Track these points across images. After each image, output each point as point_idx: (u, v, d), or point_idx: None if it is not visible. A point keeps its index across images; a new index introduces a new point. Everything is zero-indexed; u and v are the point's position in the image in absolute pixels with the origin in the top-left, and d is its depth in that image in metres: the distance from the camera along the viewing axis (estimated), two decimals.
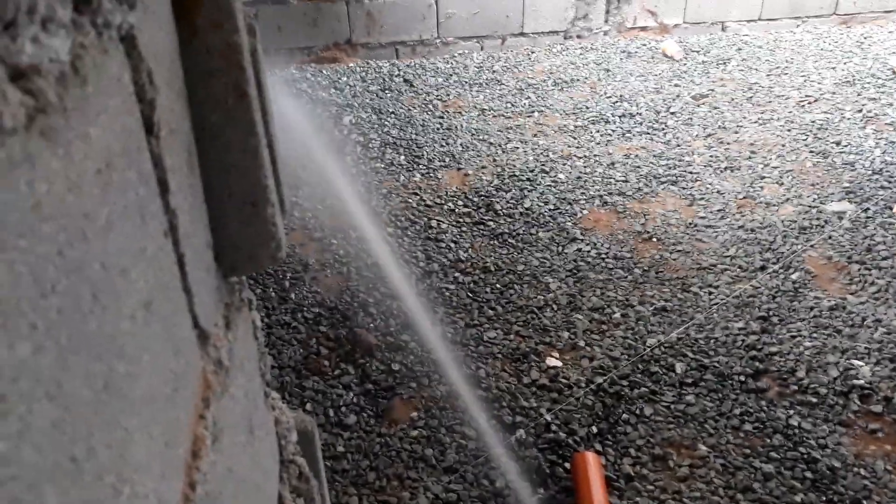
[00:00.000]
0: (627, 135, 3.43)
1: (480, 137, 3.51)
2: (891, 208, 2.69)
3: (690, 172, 3.08)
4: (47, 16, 0.34)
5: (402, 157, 3.35)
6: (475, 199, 3.01)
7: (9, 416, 0.26)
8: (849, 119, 3.41)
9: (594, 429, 1.87)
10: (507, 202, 2.97)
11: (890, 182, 2.88)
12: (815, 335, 2.14)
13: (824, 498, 1.65)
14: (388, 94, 4.00)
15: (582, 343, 2.18)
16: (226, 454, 0.58)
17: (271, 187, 0.68)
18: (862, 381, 1.94)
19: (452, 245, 2.73)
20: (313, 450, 0.96)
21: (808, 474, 1.70)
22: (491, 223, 2.85)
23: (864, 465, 1.72)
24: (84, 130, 0.36)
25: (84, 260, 0.34)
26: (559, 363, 2.11)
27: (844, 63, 4.04)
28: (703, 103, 3.69)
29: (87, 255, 0.34)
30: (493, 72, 4.22)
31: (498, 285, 2.49)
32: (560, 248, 2.66)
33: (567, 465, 1.76)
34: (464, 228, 2.83)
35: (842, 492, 1.66)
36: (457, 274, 2.56)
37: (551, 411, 1.93)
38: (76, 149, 0.34)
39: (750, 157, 3.17)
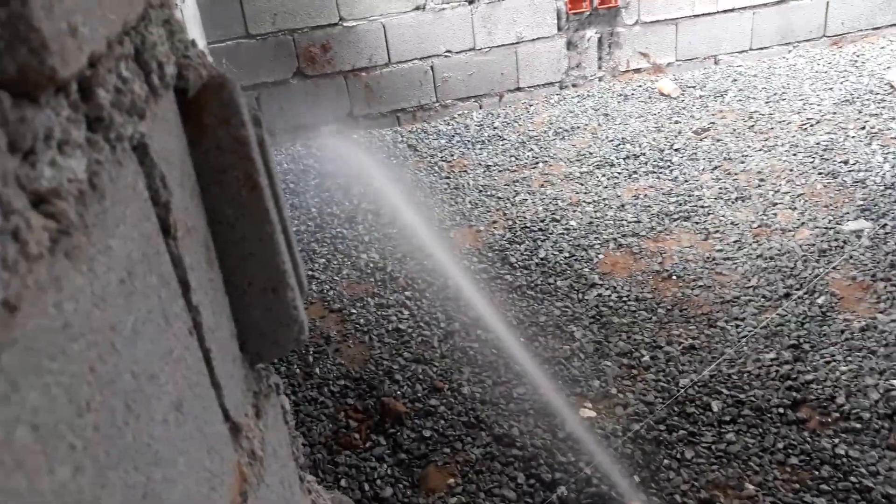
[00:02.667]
0: (634, 176, 3.45)
1: (488, 193, 3.53)
2: None
3: (702, 206, 3.08)
4: (63, 139, 0.35)
5: (414, 221, 3.37)
6: (489, 255, 3.02)
7: None
8: (853, 137, 3.42)
9: (636, 478, 1.82)
10: (522, 254, 2.97)
11: None
12: (849, 358, 2.09)
13: None
14: (394, 161, 4.06)
15: (614, 390, 2.15)
16: None
17: (289, 271, 0.69)
18: None
19: (471, 303, 2.72)
20: None
21: None
22: (508, 277, 2.85)
23: None
24: (105, 244, 0.37)
25: (115, 372, 0.34)
26: (593, 413, 2.08)
27: (841, 83, 4.07)
28: (706, 137, 3.71)
29: (118, 367, 0.35)
30: (494, 128, 4.28)
31: (522, 339, 2.47)
32: (580, 296, 2.64)
33: None
34: (481, 285, 2.83)
35: None
36: (479, 332, 2.55)
37: (590, 464, 1.89)
38: (99, 263, 0.35)
39: (759, 186, 3.17)
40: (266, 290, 0.68)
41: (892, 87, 3.86)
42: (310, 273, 3.09)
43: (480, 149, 4.05)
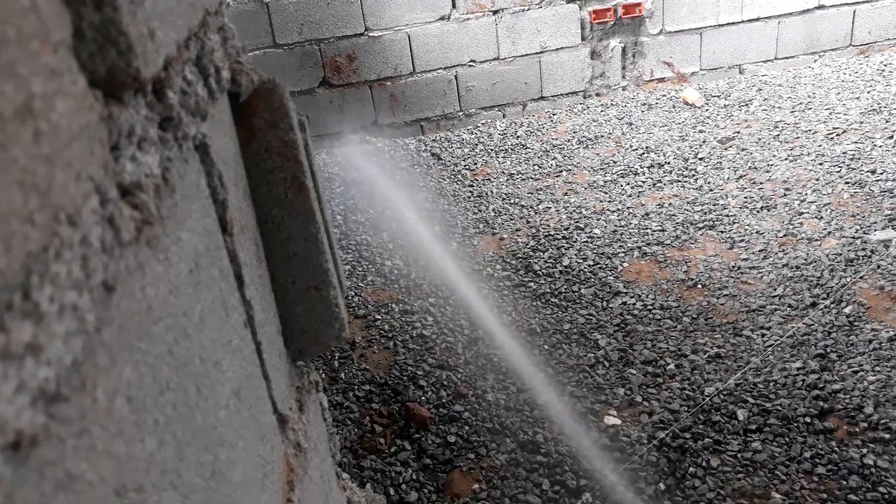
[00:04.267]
0: (658, 184, 3.44)
1: (511, 201, 3.55)
2: None
3: (727, 216, 3.07)
4: (142, 136, 0.37)
5: (437, 228, 3.39)
6: (513, 262, 3.03)
7: (149, 495, 0.27)
8: (881, 146, 3.39)
9: (661, 486, 1.82)
10: (546, 262, 2.98)
11: None
12: (877, 368, 2.08)
13: None
14: (418, 170, 4.08)
15: (639, 398, 2.15)
16: None
17: (332, 270, 0.71)
18: None
19: (495, 309, 2.73)
20: None
21: None
22: (531, 284, 2.86)
23: None
24: (177, 235, 0.39)
25: (187, 356, 0.36)
26: (618, 421, 2.08)
27: (868, 92, 4.04)
28: (731, 146, 3.70)
29: (190, 352, 0.37)
30: (517, 137, 4.30)
31: (546, 346, 2.48)
32: (605, 304, 2.65)
33: None
34: (505, 292, 2.84)
35: None
36: (503, 339, 2.56)
37: (615, 471, 1.89)
38: (173, 253, 0.37)
39: (785, 195, 3.16)
40: (309, 288, 0.70)
41: None
42: None
43: (504, 157, 4.06)
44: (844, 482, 1.74)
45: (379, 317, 2.81)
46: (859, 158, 3.33)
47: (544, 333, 2.55)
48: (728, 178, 3.40)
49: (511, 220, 3.39)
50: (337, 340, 0.73)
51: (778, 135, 3.74)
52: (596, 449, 1.97)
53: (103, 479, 0.24)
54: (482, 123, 4.58)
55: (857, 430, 1.89)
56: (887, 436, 1.85)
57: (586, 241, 3.08)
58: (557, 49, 4.48)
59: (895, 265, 2.52)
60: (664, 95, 4.49)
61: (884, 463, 1.77)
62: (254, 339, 0.54)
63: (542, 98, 4.59)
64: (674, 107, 4.33)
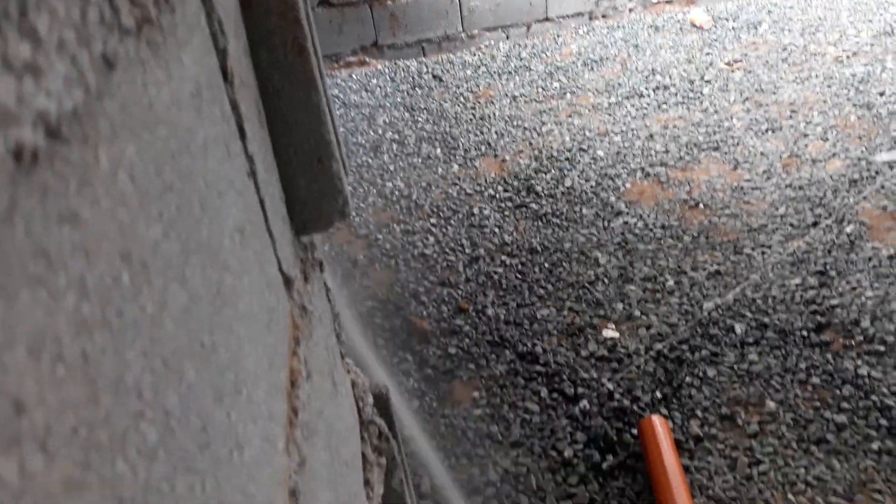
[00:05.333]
0: (663, 106, 3.40)
1: (514, 124, 3.51)
2: None
3: (731, 137, 3.04)
4: None
5: (439, 150, 3.37)
6: (515, 184, 3.01)
7: (152, 282, 0.28)
8: (891, 69, 3.33)
9: (658, 394, 1.86)
10: (548, 183, 2.97)
11: None
12: (876, 285, 2.09)
13: None
14: (419, 91, 4.02)
15: (637, 313, 2.17)
16: (317, 393, 0.60)
17: (334, 143, 0.70)
18: None
19: (497, 230, 2.74)
20: (389, 413, 0.98)
21: (883, 422, 1.67)
22: (533, 205, 2.85)
23: None
24: (178, 54, 0.38)
25: (191, 170, 0.36)
26: (616, 334, 2.10)
27: (881, 14, 3.94)
28: (738, 68, 3.63)
29: (193, 167, 0.36)
30: (521, 59, 4.22)
31: (546, 264, 2.49)
32: (606, 223, 2.65)
33: (634, 431, 1.75)
34: (506, 213, 2.84)
35: None
36: (504, 257, 2.57)
37: (613, 380, 1.92)
38: (174, 67, 0.37)
39: (791, 117, 3.12)
40: (312, 160, 0.69)
41: None
42: None
43: (507, 80, 4.00)
44: (838, 391, 1.77)
45: (380, 237, 2.81)
46: (868, 81, 3.28)
47: (545, 252, 2.56)
48: (734, 101, 3.35)
49: (514, 142, 3.36)
50: (341, 216, 0.73)
51: (786, 57, 3.67)
52: (594, 360, 2.00)
53: (108, 236, 0.24)
54: (485, 45, 4.49)
55: (853, 343, 1.91)
56: (882, 348, 1.87)
57: (589, 163, 3.06)
58: None
59: (889, 188, 2.51)
60: (672, 18, 4.39)
61: (877, 373, 1.80)
62: (257, 193, 0.54)
63: (546, 19, 4.49)
64: (681, 29, 4.24)
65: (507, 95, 3.81)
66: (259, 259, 0.49)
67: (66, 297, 0.20)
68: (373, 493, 0.83)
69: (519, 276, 2.46)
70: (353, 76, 4.31)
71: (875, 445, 1.62)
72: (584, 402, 1.85)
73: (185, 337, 0.30)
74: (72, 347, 0.20)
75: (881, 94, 3.13)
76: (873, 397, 1.73)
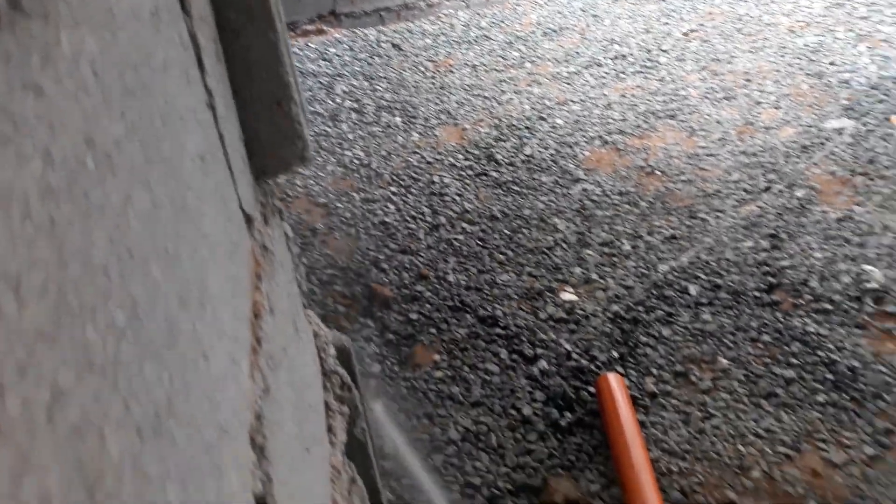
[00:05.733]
0: (621, 76, 3.43)
1: (474, 93, 3.51)
2: (888, 119, 2.70)
3: (687, 105, 3.09)
4: None
5: (399, 119, 3.35)
6: (475, 152, 3.02)
7: (117, 175, 0.28)
8: (841, 39, 3.41)
9: (615, 353, 1.90)
10: (508, 151, 2.98)
11: (887, 95, 2.88)
12: (824, 246, 2.16)
13: (846, 396, 1.68)
14: (378, 60, 3.99)
15: (595, 276, 2.21)
16: (280, 330, 0.61)
17: (293, 85, 0.70)
18: (875, 285, 1.97)
19: (457, 198, 2.74)
20: (351, 364, 0.99)
21: (829, 375, 1.74)
22: (493, 173, 2.86)
23: (882, 363, 1.75)
24: None
25: (151, 84, 0.36)
26: (574, 297, 2.14)
27: None
28: (694, 38, 3.68)
29: (153, 82, 0.36)
30: (481, 28, 4.21)
31: (506, 231, 2.51)
32: (565, 190, 2.67)
33: (591, 388, 1.79)
34: (467, 181, 2.85)
35: (862, 388, 1.69)
36: (464, 224, 2.58)
37: (571, 341, 1.96)
38: None
39: (745, 86, 3.17)
40: (271, 102, 0.69)
41: None
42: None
43: (466, 49, 3.98)
44: (787, 347, 1.84)
45: (340, 205, 2.80)
46: (819, 51, 3.35)
47: (505, 219, 2.58)
48: (690, 70, 3.39)
49: (474, 110, 3.36)
50: (300, 161, 0.73)
51: (741, 28, 3.73)
52: (552, 322, 2.04)
53: (72, 117, 0.24)
54: (444, 14, 4.46)
55: (802, 302, 1.98)
56: (829, 307, 1.94)
57: (549, 131, 3.08)
58: None
59: (847, 152, 2.58)
60: None
61: (825, 331, 1.87)
62: (216, 126, 0.54)
63: None
64: None
65: (466, 64, 3.80)
66: (220, 191, 0.49)
67: (32, 161, 0.20)
68: (336, 439, 0.84)
69: (479, 242, 2.48)
70: (311, 45, 4.25)
71: (821, 398, 1.68)
72: (543, 363, 1.88)
73: (150, 238, 0.31)
74: (40, 210, 0.20)
75: (831, 64, 3.20)
76: (820, 353, 1.80)
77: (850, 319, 1.89)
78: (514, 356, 1.93)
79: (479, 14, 4.39)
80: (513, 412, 1.77)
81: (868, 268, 2.03)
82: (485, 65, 3.77)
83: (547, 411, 1.75)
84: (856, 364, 1.75)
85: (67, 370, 0.19)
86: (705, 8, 4.02)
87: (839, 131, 2.69)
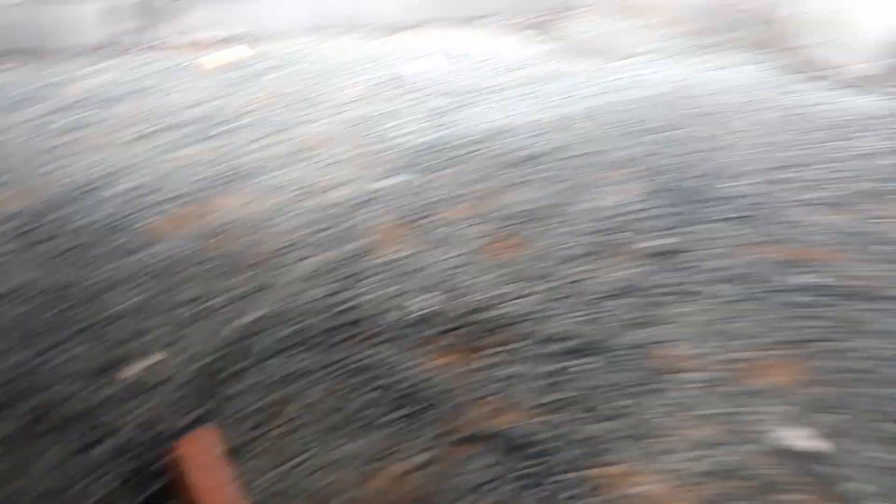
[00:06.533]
0: (184, 142, 3.41)
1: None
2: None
3: (249, 173, 3.17)
4: None
5: None
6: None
7: None
8: (388, 112, 3.86)
9: (199, 412, 1.81)
10: (64, 220, 2.70)
11: (433, 152, 3.35)
12: (387, 284, 2.37)
13: (409, 410, 1.84)
14: None
15: (171, 340, 2.09)
16: None
17: None
18: (429, 310, 2.22)
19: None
20: None
21: (395, 395, 1.89)
22: (46, 244, 2.56)
23: (437, 376, 1.96)
24: None
25: None
26: (149, 362, 1.99)
27: (385, 67, 4.54)
28: (255, 108, 3.84)
29: None
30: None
31: (65, 305, 2.24)
32: (132, 257, 2.51)
33: (177, 453, 1.65)
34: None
35: (423, 401, 1.87)
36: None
37: (148, 410, 1.80)
38: None
39: (303, 153, 3.38)
40: None
41: (402, 79, 4.43)
42: None
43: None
44: (363, 376, 1.96)
45: None
46: (369, 121, 3.74)
47: (62, 291, 2.30)
48: (250, 140, 3.50)
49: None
50: None
51: (301, 99, 3.99)
52: (124, 394, 1.85)
53: None
54: None
55: (373, 333, 2.13)
56: (396, 335, 2.13)
57: (107, 199, 2.89)
58: None
59: (403, 203, 2.90)
60: (185, 61, 4.46)
61: (394, 357, 2.03)
62: None
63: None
64: (190, 74, 4.31)
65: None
66: None
67: None
68: None
69: (32, 319, 2.16)
70: None
71: (393, 416, 1.82)
72: (113, 441, 1.69)
73: None
74: None
75: (379, 133, 3.61)
76: (390, 377, 1.95)
77: (413, 342, 2.09)
78: (79, 440, 1.70)
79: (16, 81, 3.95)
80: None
81: (422, 297, 2.29)
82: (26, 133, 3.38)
83: (130, 487, 1.57)
84: (417, 381, 1.93)
85: None
86: (260, 84, 4.22)
87: (386, 190, 3.02)
